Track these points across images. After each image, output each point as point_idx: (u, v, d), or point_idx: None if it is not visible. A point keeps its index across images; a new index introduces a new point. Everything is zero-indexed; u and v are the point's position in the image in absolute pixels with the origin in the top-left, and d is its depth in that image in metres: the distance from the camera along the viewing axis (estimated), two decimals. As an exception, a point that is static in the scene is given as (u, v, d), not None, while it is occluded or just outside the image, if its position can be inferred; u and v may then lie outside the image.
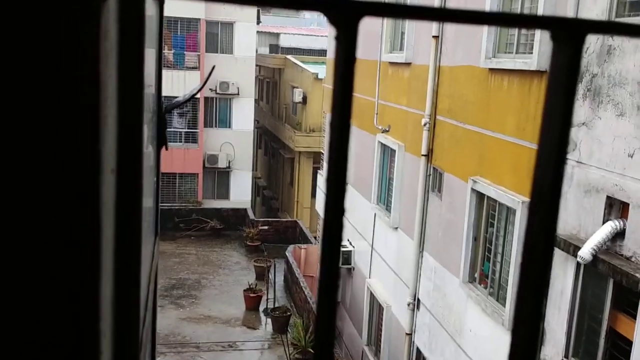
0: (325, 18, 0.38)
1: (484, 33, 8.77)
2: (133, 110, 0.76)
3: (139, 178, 0.81)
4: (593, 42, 6.61)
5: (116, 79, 0.64)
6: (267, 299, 17.78)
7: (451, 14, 0.43)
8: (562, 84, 0.43)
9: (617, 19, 6.39)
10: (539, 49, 7.48)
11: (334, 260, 0.43)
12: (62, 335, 0.55)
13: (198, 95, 25.56)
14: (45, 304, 0.55)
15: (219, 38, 26.65)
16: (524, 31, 8.20)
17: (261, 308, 18.05)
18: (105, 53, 0.54)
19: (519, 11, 8.26)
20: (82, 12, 0.49)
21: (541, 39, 7.46)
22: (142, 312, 1.34)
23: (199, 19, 25.58)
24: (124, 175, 0.71)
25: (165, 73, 27.84)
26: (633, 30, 0.46)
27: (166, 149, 1.74)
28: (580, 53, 0.43)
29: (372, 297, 13.42)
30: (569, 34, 0.43)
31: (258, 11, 27.55)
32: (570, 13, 6.94)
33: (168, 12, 24.32)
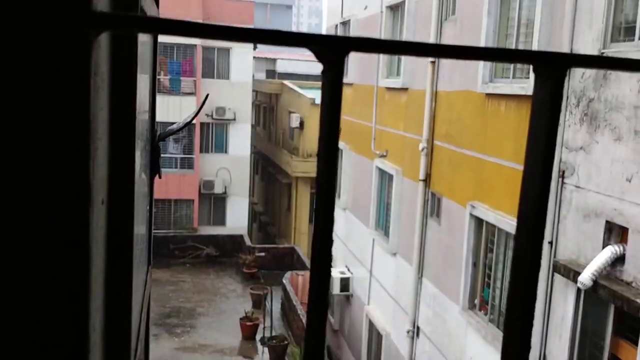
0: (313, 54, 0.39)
1: (480, 58, 8.80)
2: (125, 142, 0.75)
3: (130, 209, 0.79)
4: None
5: (108, 110, 0.64)
6: (263, 328, 17.56)
7: (435, 49, 0.44)
8: (545, 116, 0.44)
9: (613, 44, 6.42)
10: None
11: (324, 288, 0.43)
12: None
13: (194, 121, 25.61)
14: (34, 338, 0.55)
15: (215, 63, 26.82)
16: (519, 56, 8.24)
17: (258, 337, 17.83)
18: (95, 87, 0.56)
19: (515, 36, 8.31)
20: (74, 48, 0.50)
21: (537, 64, 7.49)
22: (134, 342, 1.30)
23: (195, 45, 25.77)
24: (115, 206, 0.69)
25: (161, 98, 28.11)
26: (613, 63, 0.49)
27: (159, 177, 1.69)
28: (562, 86, 0.45)
29: (371, 324, 13.27)
30: (550, 68, 0.44)
31: (254, 38, 27.77)
32: (565, 38, 6.97)
33: (164, 38, 24.53)
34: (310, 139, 25.58)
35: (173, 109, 24.91)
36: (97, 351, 0.65)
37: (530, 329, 0.46)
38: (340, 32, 15.90)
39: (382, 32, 12.86)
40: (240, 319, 18.02)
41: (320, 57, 0.38)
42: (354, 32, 14.86)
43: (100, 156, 0.61)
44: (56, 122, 0.51)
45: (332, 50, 0.38)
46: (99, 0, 0.56)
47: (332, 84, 0.39)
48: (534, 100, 0.45)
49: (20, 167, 0.51)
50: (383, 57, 12.85)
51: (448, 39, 10.13)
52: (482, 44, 8.79)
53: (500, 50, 0.45)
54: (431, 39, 10.42)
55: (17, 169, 0.51)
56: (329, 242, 0.42)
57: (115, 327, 0.80)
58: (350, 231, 14.95)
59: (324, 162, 0.39)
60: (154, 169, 1.65)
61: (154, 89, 1.79)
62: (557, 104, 0.44)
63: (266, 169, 32.10)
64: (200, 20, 27.67)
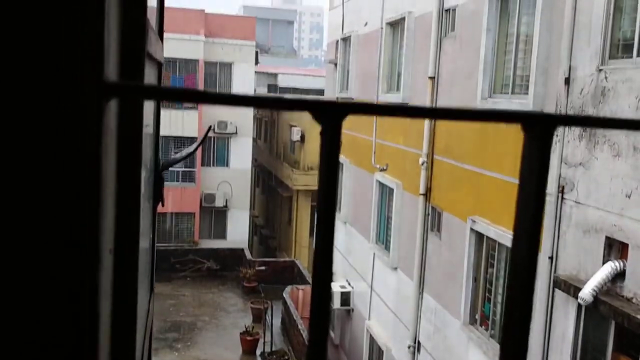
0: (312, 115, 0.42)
1: (480, 74, 8.87)
2: (131, 191, 0.78)
3: (135, 254, 0.81)
4: (587, 84, 6.68)
5: (115, 163, 0.67)
6: (264, 342, 17.49)
7: (430, 112, 0.48)
8: (535, 172, 0.46)
9: (611, 61, 6.46)
10: (535, 90, 7.55)
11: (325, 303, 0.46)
12: None
13: (196, 134, 25.68)
14: None
15: (217, 78, 26.95)
16: (519, 72, 8.30)
17: (258, 352, 17.75)
18: (105, 147, 0.58)
19: (513, 53, 8.37)
20: (86, 115, 0.52)
21: (536, 80, 7.54)
22: None
23: (198, 60, 25.91)
24: (121, 253, 0.72)
25: (163, 112, 27.98)
26: (600, 122, 0.52)
27: (162, 205, 1.72)
28: (550, 145, 0.47)
29: (372, 339, 13.22)
30: (538, 127, 0.46)
31: (256, 52, 27.94)
32: (564, 55, 7.02)
33: (167, 53, 24.60)
34: (311, 153, 25.63)
35: (175, 123, 25.01)
36: None
37: (527, 339, 0.48)
38: (340, 48, 16.01)
39: (382, 49, 12.95)
40: (241, 333, 17.95)
41: (319, 120, 0.41)
42: (354, 47, 14.96)
43: (109, 208, 0.64)
44: (68, 181, 0.53)
45: (330, 114, 0.41)
46: (108, 60, 0.59)
47: (330, 144, 0.41)
48: (523, 158, 0.48)
49: (33, 221, 0.53)
50: (383, 72, 12.92)
51: (447, 56, 10.20)
52: (481, 60, 8.86)
53: (491, 111, 0.48)
54: (431, 56, 10.49)
55: (30, 223, 0.53)
56: (329, 274, 0.45)
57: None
58: (351, 245, 14.94)
59: (323, 214, 0.42)
60: (157, 198, 1.67)
61: (159, 116, 1.82)
62: (545, 162, 0.47)
63: (267, 182, 32.13)
64: (202, 37, 27.77)
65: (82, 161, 0.53)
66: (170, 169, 26.17)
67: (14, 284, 0.54)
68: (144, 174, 1.24)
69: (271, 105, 0.41)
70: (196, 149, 2.57)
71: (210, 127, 3.68)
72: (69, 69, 0.51)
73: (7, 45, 0.51)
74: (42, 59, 0.51)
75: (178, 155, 2.53)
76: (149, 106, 1.41)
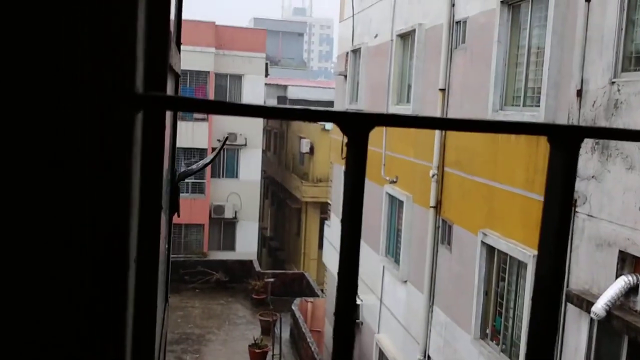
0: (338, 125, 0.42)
1: (491, 86, 8.84)
2: (153, 200, 0.79)
3: (155, 263, 0.82)
4: (600, 96, 6.64)
5: (140, 172, 0.67)
6: (272, 355, 17.41)
7: (452, 123, 0.47)
8: (559, 185, 0.46)
9: (623, 73, 6.42)
10: (546, 102, 7.51)
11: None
12: None
13: (206, 146, 25.78)
14: None
15: (227, 90, 27.07)
16: (530, 84, 8.27)
17: (267, 363, 17.66)
18: (134, 157, 0.59)
19: (525, 65, 8.34)
20: (118, 126, 0.53)
21: (548, 93, 7.50)
22: None
23: (208, 72, 26.06)
24: (142, 263, 0.72)
25: (174, 125, 27.87)
26: (626, 135, 0.51)
27: (178, 216, 1.71)
28: (576, 157, 0.47)
29: (381, 353, 13.12)
30: (565, 140, 0.46)
31: (266, 64, 28.07)
32: (576, 67, 6.99)
33: (178, 65, 24.78)
34: (321, 164, 25.64)
35: (185, 135, 25.10)
36: None
37: (553, 348, 0.47)
38: (350, 60, 16.04)
39: (392, 60, 12.96)
40: (249, 345, 17.88)
41: (345, 131, 0.41)
42: (364, 59, 14.99)
43: (134, 218, 0.64)
44: (100, 192, 0.54)
45: (357, 125, 0.41)
46: (139, 72, 0.60)
47: (357, 156, 0.42)
48: (549, 169, 0.47)
49: (68, 234, 0.54)
50: (393, 83, 12.93)
51: (458, 68, 10.19)
52: (492, 72, 8.83)
53: (516, 123, 0.47)
54: (441, 68, 10.48)
55: (65, 235, 0.54)
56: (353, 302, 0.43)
57: None
58: (361, 257, 14.82)
59: (348, 227, 0.41)
60: (173, 207, 1.67)
61: (175, 128, 1.82)
62: (572, 173, 0.46)
63: (276, 194, 32.15)
64: (213, 49, 27.89)
65: (115, 173, 0.54)
66: (180, 180, 26.26)
67: (50, 294, 0.55)
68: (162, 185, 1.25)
69: (298, 117, 0.40)
70: (213, 159, 2.57)
71: (227, 137, 3.70)
72: (103, 81, 0.52)
73: (42, 58, 0.51)
74: (77, 71, 0.52)
75: (194, 166, 2.54)
76: (167, 118, 1.41)
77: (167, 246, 1.71)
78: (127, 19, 0.53)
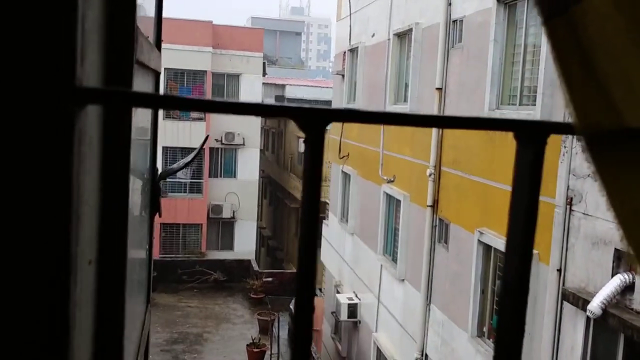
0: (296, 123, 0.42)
1: (487, 85, 8.86)
2: (118, 199, 0.76)
3: (123, 264, 0.79)
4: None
5: (98, 171, 0.65)
6: (270, 354, 17.42)
7: (416, 119, 0.46)
8: (527, 181, 0.46)
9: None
10: (542, 101, 7.52)
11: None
12: None
13: (204, 147, 25.75)
14: None
15: (225, 89, 27.05)
16: (526, 83, 8.28)
17: (265, 363, 17.67)
18: (81, 155, 0.56)
19: (521, 63, 8.36)
20: (56, 122, 0.50)
21: (544, 91, 7.51)
22: None
23: (205, 71, 26.04)
24: (106, 263, 0.70)
25: (171, 124, 28.00)
26: None
27: (159, 216, 1.71)
28: (542, 153, 0.47)
29: (379, 351, 13.13)
30: (531, 136, 0.46)
31: (264, 63, 28.05)
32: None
33: (174, 64, 24.84)
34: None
35: (183, 135, 25.09)
36: None
37: (521, 343, 0.47)
38: (348, 59, 16.05)
39: (389, 60, 12.97)
40: (247, 345, 17.89)
41: (302, 127, 0.41)
42: (362, 58, 14.99)
43: (87, 219, 0.62)
44: (37, 192, 0.52)
45: (313, 121, 0.40)
46: (88, 64, 0.57)
47: (313, 150, 0.41)
48: (516, 165, 0.47)
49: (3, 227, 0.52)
50: (390, 83, 12.93)
51: (454, 67, 10.20)
52: (488, 71, 8.84)
53: (483, 119, 0.47)
54: (438, 67, 10.49)
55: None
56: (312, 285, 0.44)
57: None
58: (358, 257, 14.89)
59: (306, 224, 0.41)
60: (154, 208, 1.67)
61: (156, 125, 1.82)
62: (538, 170, 0.46)
63: (274, 194, 32.15)
64: (210, 48, 27.86)
65: (51, 167, 0.52)
66: (178, 180, 26.26)
67: None
68: (140, 184, 1.23)
69: (253, 111, 0.40)
70: (193, 158, 2.58)
71: (208, 136, 3.72)
72: (36, 71, 0.49)
73: None
74: (5, 60, 0.49)
75: (175, 165, 2.54)
76: (145, 116, 1.40)
77: (148, 247, 1.70)
78: (65, 9, 0.51)
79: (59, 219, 0.53)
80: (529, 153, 0.45)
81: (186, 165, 2.60)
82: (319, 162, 0.41)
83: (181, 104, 0.39)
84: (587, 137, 0.44)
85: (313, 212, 0.42)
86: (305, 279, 0.41)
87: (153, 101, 0.39)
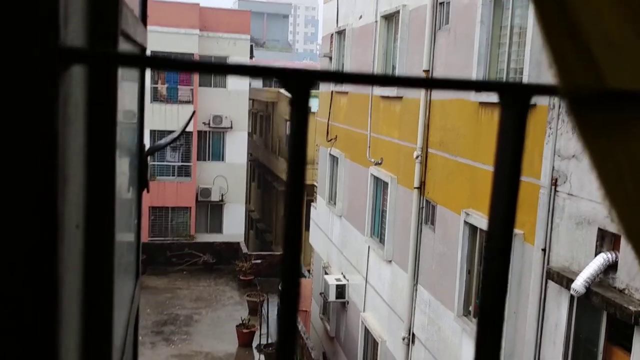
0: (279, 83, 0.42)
1: (474, 66, 8.88)
2: (104, 165, 0.77)
3: (111, 230, 0.81)
4: (580, 76, 6.70)
5: (84, 136, 0.65)
6: (260, 335, 17.55)
7: (399, 80, 0.47)
8: (510, 145, 0.45)
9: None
10: (528, 82, 7.56)
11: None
12: None
13: (191, 130, 25.65)
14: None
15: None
16: (512, 64, 8.32)
17: (254, 344, 17.81)
18: (67, 117, 0.55)
19: (507, 45, 8.39)
20: (40, 82, 0.50)
21: (530, 73, 7.56)
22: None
23: (192, 54, 25.82)
24: (93, 229, 0.71)
25: (159, 107, 27.75)
26: None
27: (147, 191, 1.73)
28: (526, 114, 0.45)
29: (367, 331, 13.28)
30: (515, 98, 0.45)
31: (251, 46, 27.87)
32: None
33: (161, 47, 24.59)
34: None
35: (171, 117, 24.95)
36: None
37: (502, 320, 0.48)
38: (335, 41, 15.99)
39: (376, 42, 12.94)
40: (237, 326, 18.00)
41: (288, 89, 0.42)
42: (349, 41, 14.94)
43: (74, 182, 0.61)
44: (22, 154, 0.52)
45: (298, 82, 0.41)
46: (72, 28, 0.57)
47: (299, 112, 0.42)
48: (499, 129, 0.46)
49: None
50: (378, 66, 12.92)
51: (441, 48, 10.21)
52: (475, 52, 8.87)
53: (467, 81, 0.47)
54: (425, 49, 10.49)
55: None
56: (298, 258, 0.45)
57: (94, 352, 0.79)
58: (346, 238, 14.98)
59: (291, 188, 0.42)
60: (142, 183, 1.68)
61: (143, 100, 1.83)
62: (522, 133, 0.45)
63: (263, 177, 32.11)
64: (197, 30, 27.58)
65: (37, 128, 0.51)
66: (166, 163, 26.15)
67: None
68: (127, 158, 1.24)
69: (238, 72, 0.41)
70: (181, 133, 2.60)
71: (194, 111, 3.71)
72: (20, 32, 0.49)
73: None
74: None
75: (163, 141, 2.56)
76: (132, 91, 1.42)
77: (136, 222, 1.72)
78: None
79: (46, 180, 0.53)
80: (512, 115, 0.45)
81: (174, 140, 2.61)
82: (304, 124, 0.42)
83: (166, 65, 0.40)
84: (570, 98, 0.45)
85: (298, 173, 0.43)
86: (292, 226, 0.43)
87: (138, 61, 0.40)
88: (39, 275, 0.54)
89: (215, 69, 0.40)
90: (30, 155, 0.52)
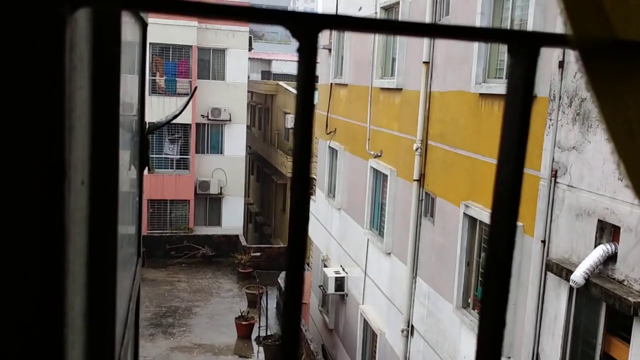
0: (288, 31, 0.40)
1: (474, 58, 8.86)
2: (108, 123, 0.75)
3: (114, 189, 0.80)
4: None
5: (89, 90, 0.64)
6: (259, 327, 17.58)
7: (406, 26, 0.45)
8: (519, 95, 0.45)
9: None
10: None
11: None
12: (26, 343, 0.54)
13: (190, 122, 25.60)
14: (8, 315, 0.53)
15: (210, 64, 26.80)
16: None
17: (253, 336, 17.84)
18: (72, 65, 0.54)
19: (509, 20, 8.34)
20: (46, 24, 0.49)
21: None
22: (121, 329, 1.29)
23: (191, 46, 25.75)
24: (98, 188, 0.70)
25: (157, 99, 27.78)
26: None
27: (149, 170, 1.72)
28: (535, 64, 0.45)
29: (366, 323, 13.30)
30: (524, 47, 0.44)
31: (250, 38, 27.78)
32: (559, 21, 7.01)
33: (160, 39, 24.53)
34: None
35: (169, 110, 24.85)
36: (77, 329, 0.65)
37: (505, 310, 0.47)
38: (335, 33, 15.93)
39: (376, 34, 12.89)
40: (236, 318, 18.03)
41: (294, 34, 0.40)
42: (349, 33, 14.89)
43: (79, 135, 0.61)
44: (28, 99, 0.51)
45: (306, 27, 0.40)
46: None
47: (307, 57, 0.40)
48: (509, 79, 0.45)
49: None
50: (377, 58, 12.89)
51: (441, 40, 10.16)
52: (475, 45, 8.84)
53: (475, 28, 0.46)
54: (425, 41, 10.46)
55: None
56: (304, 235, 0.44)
57: (99, 307, 0.78)
58: (345, 231, 14.98)
59: (300, 140, 0.41)
60: (144, 161, 1.67)
61: (143, 83, 1.81)
62: (531, 80, 0.44)
63: (261, 170, 32.09)
64: (196, 23, 27.41)
65: (42, 76, 0.51)
66: (165, 156, 26.11)
67: None
68: (129, 136, 1.23)
69: (243, 16, 0.39)
70: (182, 110, 2.59)
71: (196, 87, 3.70)
72: None
73: None
74: None
75: (164, 118, 2.55)
76: (132, 79, 1.40)
77: (138, 199, 1.70)
78: None
79: (52, 129, 0.52)
80: (520, 65, 0.44)
81: (175, 117, 2.60)
82: (312, 72, 0.40)
83: (170, 6, 0.39)
84: (580, 48, 0.45)
85: (307, 122, 0.41)
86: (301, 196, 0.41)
87: (141, 2, 0.39)
88: (47, 226, 0.53)
89: (218, 12, 0.38)
90: (37, 103, 0.51)
